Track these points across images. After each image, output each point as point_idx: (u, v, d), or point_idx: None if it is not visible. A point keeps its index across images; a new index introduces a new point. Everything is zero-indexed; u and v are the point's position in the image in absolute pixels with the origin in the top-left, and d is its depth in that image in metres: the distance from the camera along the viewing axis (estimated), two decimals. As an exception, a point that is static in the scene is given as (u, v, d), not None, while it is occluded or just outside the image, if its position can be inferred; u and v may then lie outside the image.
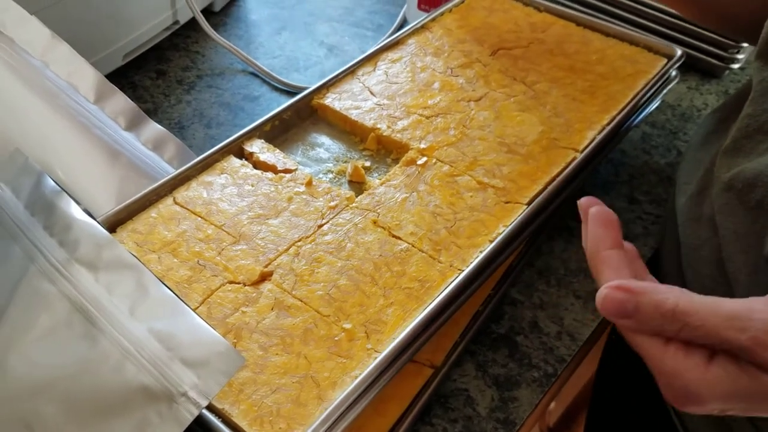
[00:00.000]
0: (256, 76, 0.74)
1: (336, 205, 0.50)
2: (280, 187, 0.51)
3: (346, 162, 0.55)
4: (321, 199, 0.50)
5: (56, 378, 0.37)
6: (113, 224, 0.48)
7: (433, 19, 0.69)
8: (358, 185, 0.54)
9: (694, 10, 0.58)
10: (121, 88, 0.60)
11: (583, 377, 0.80)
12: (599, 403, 0.72)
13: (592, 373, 0.73)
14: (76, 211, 0.42)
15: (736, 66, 0.76)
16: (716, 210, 0.46)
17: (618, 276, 0.33)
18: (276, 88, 0.73)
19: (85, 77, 0.57)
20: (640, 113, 0.61)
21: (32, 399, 0.36)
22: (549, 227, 0.58)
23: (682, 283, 0.51)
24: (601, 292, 0.32)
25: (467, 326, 0.50)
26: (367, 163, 0.55)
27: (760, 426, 0.44)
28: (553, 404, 0.94)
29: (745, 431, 0.45)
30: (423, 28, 0.68)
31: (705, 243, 0.48)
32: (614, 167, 0.66)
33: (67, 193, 0.43)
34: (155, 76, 0.73)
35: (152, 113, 0.69)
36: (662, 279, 0.55)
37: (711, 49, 0.75)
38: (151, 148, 0.57)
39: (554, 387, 0.50)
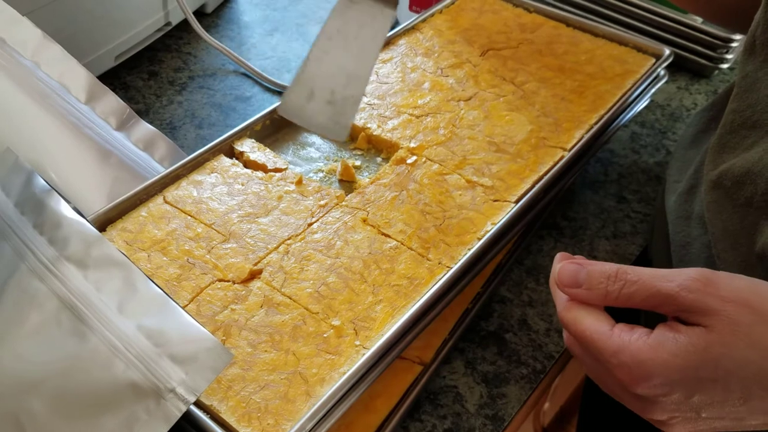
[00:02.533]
0: (248, 76, 0.75)
1: (326, 204, 0.50)
2: (270, 186, 0.51)
3: (336, 161, 0.56)
4: (311, 197, 0.51)
5: (46, 374, 0.37)
6: (103, 223, 0.48)
7: (424, 20, 0.69)
8: (348, 184, 0.54)
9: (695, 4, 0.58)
10: (113, 89, 0.61)
11: (577, 376, 0.81)
12: (590, 403, 0.72)
13: (584, 374, 0.73)
14: (65, 210, 0.42)
15: (725, 66, 0.77)
16: (705, 207, 0.46)
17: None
18: (268, 89, 0.73)
19: (77, 78, 0.57)
20: (629, 113, 0.61)
21: (22, 395, 0.37)
22: (538, 226, 0.59)
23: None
24: (556, 267, 0.37)
25: (456, 323, 0.50)
26: (357, 162, 0.55)
27: None
28: (547, 404, 0.94)
29: None
30: (413, 29, 0.68)
31: (695, 240, 0.49)
32: (603, 166, 0.66)
33: (57, 192, 0.43)
34: (147, 76, 0.73)
35: (144, 114, 0.69)
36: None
37: (700, 49, 0.76)
38: (141, 147, 0.57)
39: (543, 383, 0.51)
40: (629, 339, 0.33)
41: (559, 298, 0.37)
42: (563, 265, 0.37)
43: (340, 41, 0.43)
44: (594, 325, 0.35)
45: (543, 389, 0.52)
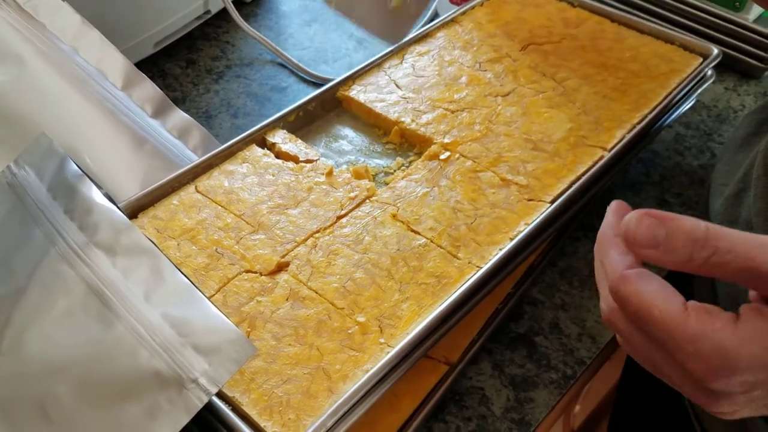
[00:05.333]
0: (285, 67, 0.74)
1: (356, 197, 0.49)
2: (300, 177, 0.51)
3: (367, 154, 0.55)
4: (341, 189, 0.50)
5: (71, 359, 0.37)
6: (135, 210, 0.48)
7: (464, 13, 0.68)
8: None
9: None
10: (151, 76, 0.61)
11: (609, 381, 0.79)
12: (622, 408, 0.71)
13: (617, 377, 0.72)
14: (96, 196, 0.42)
15: (776, 67, 0.74)
16: (755, 213, 0.44)
17: (624, 258, 0.31)
18: (304, 80, 0.73)
19: (114, 64, 0.57)
20: (673, 113, 0.59)
21: (46, 379, 0.37)
22: (574, 227, 0.57)
23: (712, 290, 0.50)
24: (632, 216, 0.30)
25: (485, 324, 0.49)
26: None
27: None
28: (578, 407, 0.93)
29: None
30: (453, 21, 0.67)
31: None
32: (645, 167, 0.64)
33: (89, 177, 0.43)
34: (185, 64, 0.73)
35: (181, 102, 0.69)
36: (691, 285, 0.54)
37: (750, 49, 0.73)
38: (176, 135, 0.57)
39: (573, 389, 0.50)
40: (712, 327, 0.28)
41: (613, 262, 0.30)
42: (640, 216, 0.29)
43: None
44: (665, 302, 0.29)
45: (573, 395, 0.51)
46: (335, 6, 0.56)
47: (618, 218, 0.32)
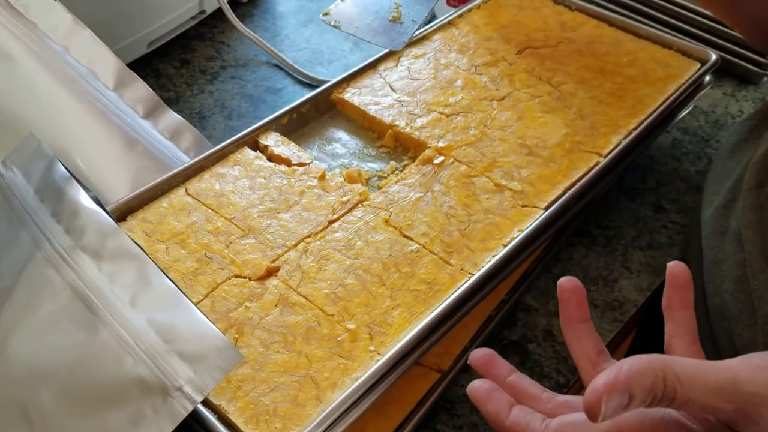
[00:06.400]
0: (280, 68, 0.74)
1: (348, 201, 0.49)
2: (292, 180, 0.50)
3: (361, 158, 0.54)
4: (333, 193, 0.49)
5: (54, 364, 0.37)
6: (124, 212, 0.48)
7: (461, 16, 0.67)
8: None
9: (737, 17, 0.55)
10: (145, 76, 0.60)
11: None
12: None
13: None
14: (84, 199, 0.42)
15: (775, 73, 0.73)
16: (744, 224, 0.44)
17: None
18: (299, 81, 0.72)
19: (106, 64, 0.57)
20: (670, 119, 0.59)
21: (29, 382, 0.36)
22: (569, 233, 0.57)
23: (702, 297, 0.49)
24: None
25: (478, 331, 0.48)
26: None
27: None
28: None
29: None
30: (449, 24, 0.66)
31: (728, 257, 0.46)
32: (642, 173, 0.64)
33: (77, 179, 0.43)
34: (179, 64, 0.73)
35: (174, 102, 0.68)
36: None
37: (749, 54, 0.72)
38: (168, 137, 0.57)
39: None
40: None
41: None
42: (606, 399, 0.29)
43: None
44: None
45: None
46: (335, 24, 0.56)
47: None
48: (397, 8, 0.57)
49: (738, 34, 0.72)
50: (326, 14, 0.58)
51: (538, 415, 0.35)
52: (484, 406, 0.37)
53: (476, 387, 0.37)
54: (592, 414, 0.28)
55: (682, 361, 0.29)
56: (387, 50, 0.62)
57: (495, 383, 0.37)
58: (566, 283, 0.38)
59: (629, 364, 0.28)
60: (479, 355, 0.39)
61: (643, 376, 0.28)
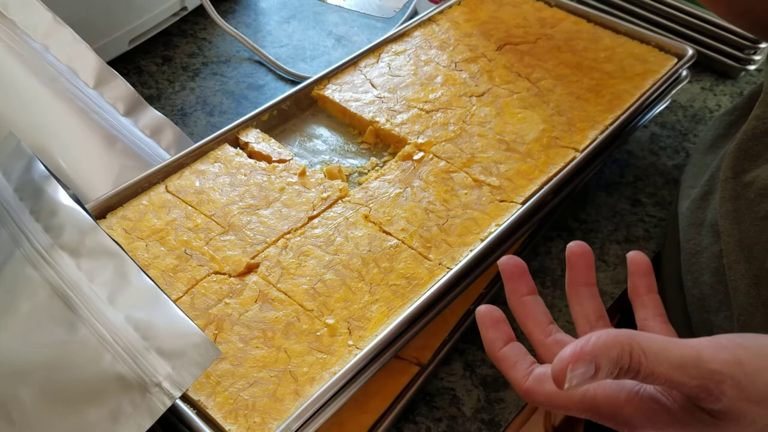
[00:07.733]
0: (262, 64, 0.74)
1: (328, 197, 0.49)
2: (273, 177, 0.51)
3: (342, 155, 0.55)
4: (313, 190, 0.50)
5: (35, 363, 0.37)
6: (104, 210, 0.48)
7: (441, 12, 0.68)
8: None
9: (721, 5, 0.56)
10: (127, 73, 0.60)
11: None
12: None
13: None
14: (62, 197, 0.42)
15: (752, 67, 0.74)
16: (721, 215, 0.44)
17: (533, 321, 0.38)
18: (281, 78, 0.72)
19: (86, 62, 0.57)
20: (647, 114, 0.59)
21: (9, 380, 0.37)
22: (547, 227, 0.57)
23: (680, 289, 0.50)
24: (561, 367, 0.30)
25: (457, 324, 0.49)
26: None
27: None
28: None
29: None
30: (430, 20, 0.67)
31: (705, 249, 0.47)
32: (620, 168, 0.65)
33: (56, 178, 0.43)
34: (161, 61, 0.73)
35: (156, 99, 0.68)
36: (661, 284, 0.54)
37: (726, 49, 0.73)
38: (148, 134, 0.57)
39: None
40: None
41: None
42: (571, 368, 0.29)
43: None
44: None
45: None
46: None
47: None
48: None
49: (720, 23, 0.72)
50: None
51: (529, 358, 0.36)
52: (485, 330, 0.37)
53: (485, 312, 0.37)
54: (558, 381, 0.29)
55: (648, 336, 0.30)
56: (367, 46, 0.62)
57: (503, 316, 0.38)
58: (575, 247, 0.39)
59: (597, 336, 0.29)
60: (511, 262, 0.39)
61: (610, 348, 0.29)
